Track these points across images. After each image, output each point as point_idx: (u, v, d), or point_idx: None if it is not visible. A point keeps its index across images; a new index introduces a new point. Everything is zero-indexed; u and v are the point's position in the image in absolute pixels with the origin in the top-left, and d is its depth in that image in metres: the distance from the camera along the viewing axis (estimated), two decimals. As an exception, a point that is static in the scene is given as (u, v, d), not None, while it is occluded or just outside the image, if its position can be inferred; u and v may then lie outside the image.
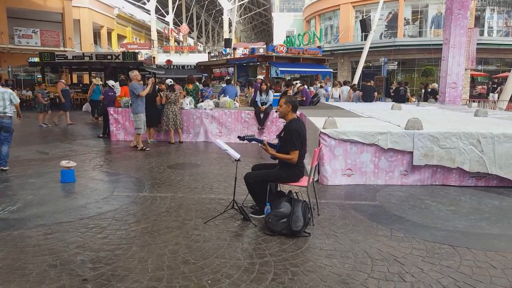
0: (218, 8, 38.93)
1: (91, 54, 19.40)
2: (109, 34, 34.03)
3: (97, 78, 15.58)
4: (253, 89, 10.33)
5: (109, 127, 8.98)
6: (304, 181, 3.77)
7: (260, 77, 11.22)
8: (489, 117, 7.17)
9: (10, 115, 5.82)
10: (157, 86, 8.33)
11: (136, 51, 25.17)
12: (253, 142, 3.86)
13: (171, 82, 8.75)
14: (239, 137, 3.95)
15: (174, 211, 3.99)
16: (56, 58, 18.68)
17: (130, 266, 2.79)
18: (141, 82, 7.74)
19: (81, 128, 11.20)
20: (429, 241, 3.28)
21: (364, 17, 24.74)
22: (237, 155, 3.77)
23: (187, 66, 28.15)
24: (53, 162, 6.29)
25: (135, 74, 7.41)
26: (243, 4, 36.31)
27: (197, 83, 10.53)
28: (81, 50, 25.87)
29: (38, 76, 23.54)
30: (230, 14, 33.46)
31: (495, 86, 19.29)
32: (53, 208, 4.05)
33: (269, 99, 8.69)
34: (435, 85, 14.14)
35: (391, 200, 4.45)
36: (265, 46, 18.40)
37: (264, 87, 8.80)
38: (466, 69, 15.54)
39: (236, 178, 3.83)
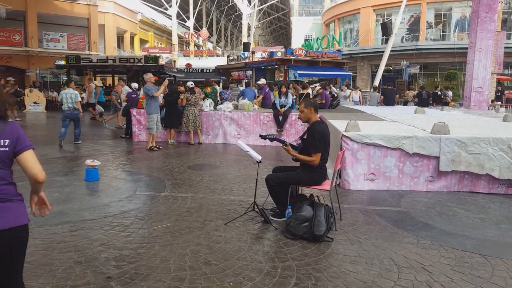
0: (237, 13, 39.26)
1: (115, 58, 20.02)
2: (132, 38, 34.93)
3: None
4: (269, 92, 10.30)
5: (131, 128, 9.18)
6: (326, 185, 3.70)
7: (263, 81, 11.03)
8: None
9: (78, 108, 8.02)
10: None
11: (158, 55, 25.70)
12: (275, 142, 3.82)
13: (192, 84, 8.86)
14: (260, 135, 3.91)
15: (195, 211, 4.01)
16: (82, 61, 19.40)
17: (152, 265, 2.81)
18: (164, 85, 7.87)
19: (104, 129, 11.48)
20: (458, 250, 3.15)
21: (385, 20, 24.32)
22: (258, 157, 3.76)
23: (206, 69, 28.46)
24: (78, 161, 6.47)
25: (149, 76, 7.60)
26: (262, 9, 36.47)
27: (217, 86, 10.59)
28: (105, 53, 26.67)
29: (64, 78, 24.43)
30: (249, 19, 33.63)
31: (498, 94, 18.36)
32: (78, 205, 4.14)
33: (288, 102, 8.65)
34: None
35: (416, 206, 4.31)
36: (283, 49, 18.39)
37: (284, 89, 8.77)
38: (492, 73, 14.96)
39: (257, 180, 3.81)
